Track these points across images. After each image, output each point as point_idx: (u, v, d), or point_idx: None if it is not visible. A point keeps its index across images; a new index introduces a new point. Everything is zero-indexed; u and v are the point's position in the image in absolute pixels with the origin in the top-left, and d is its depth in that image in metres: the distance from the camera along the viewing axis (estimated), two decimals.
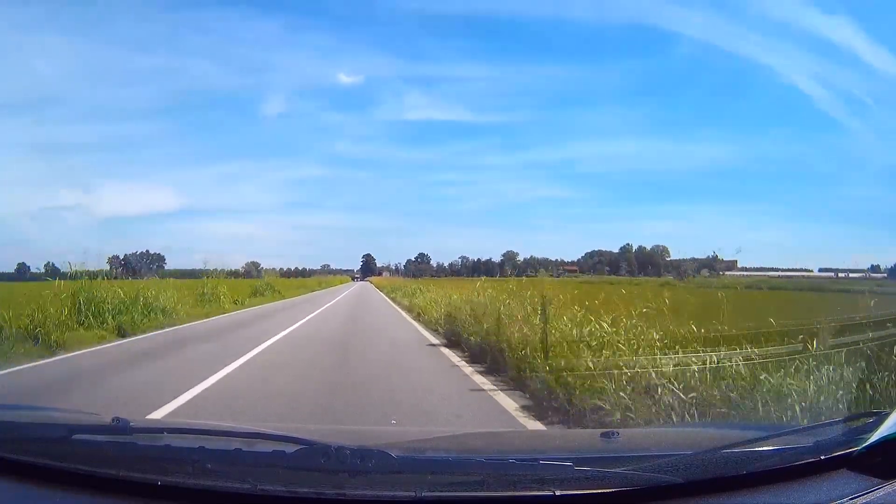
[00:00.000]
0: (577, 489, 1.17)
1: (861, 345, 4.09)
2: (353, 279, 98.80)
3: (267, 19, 67.63)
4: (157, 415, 4.81)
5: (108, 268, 15.59)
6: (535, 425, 4.64)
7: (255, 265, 33.09)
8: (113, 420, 1.51)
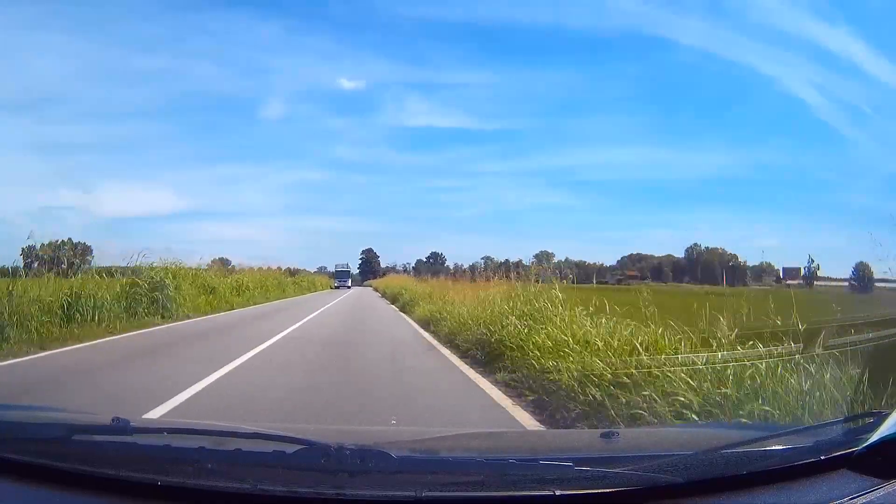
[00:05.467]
0: (577, 489, 1.17)
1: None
2: (335, 288, 52.49)
3: (269, 23, 67.31)
4: None
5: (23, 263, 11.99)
6: None
7: (225, 262, 30.45)
8: (113, 420, 1.51)
